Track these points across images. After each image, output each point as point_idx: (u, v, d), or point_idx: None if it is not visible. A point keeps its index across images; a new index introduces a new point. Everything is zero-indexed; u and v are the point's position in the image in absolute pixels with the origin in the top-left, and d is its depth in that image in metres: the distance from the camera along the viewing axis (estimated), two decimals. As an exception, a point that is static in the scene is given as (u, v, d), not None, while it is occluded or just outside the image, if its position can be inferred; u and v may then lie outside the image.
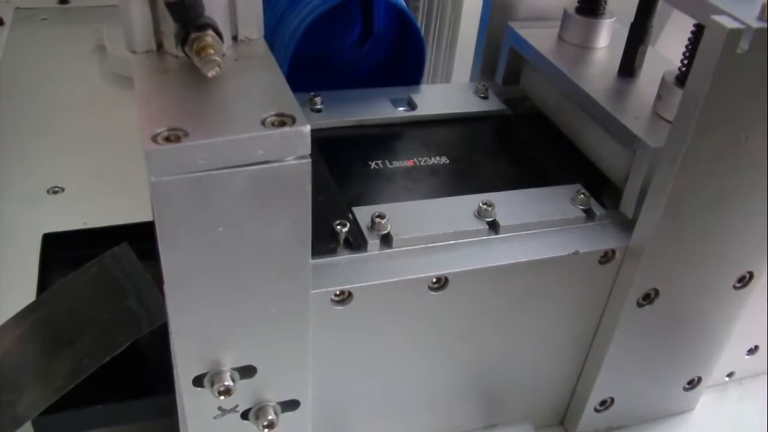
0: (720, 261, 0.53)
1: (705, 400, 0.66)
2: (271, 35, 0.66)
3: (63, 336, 0.53)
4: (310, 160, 0.38)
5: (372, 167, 0.57)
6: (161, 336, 0.47)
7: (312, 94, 0.63)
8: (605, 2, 0.64)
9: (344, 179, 0.55)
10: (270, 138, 0.37)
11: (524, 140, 0.64)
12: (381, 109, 0.65)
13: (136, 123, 0.38)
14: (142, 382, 0.54)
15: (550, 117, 0.66)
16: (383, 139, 0.62)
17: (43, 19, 1.30)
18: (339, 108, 0.64)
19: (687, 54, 0.53)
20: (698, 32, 0.52)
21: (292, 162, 0.38)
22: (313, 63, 0.70)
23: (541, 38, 0.66)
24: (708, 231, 0.51)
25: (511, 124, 0.66)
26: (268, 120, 0.38)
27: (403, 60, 0.74)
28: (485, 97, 0.68)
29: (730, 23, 0.42)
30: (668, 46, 0.64)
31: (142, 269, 0.56)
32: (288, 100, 0.39)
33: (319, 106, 0.63)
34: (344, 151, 0.59)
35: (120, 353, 0.50)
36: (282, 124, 0.37)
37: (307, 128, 0.37)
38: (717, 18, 0.42)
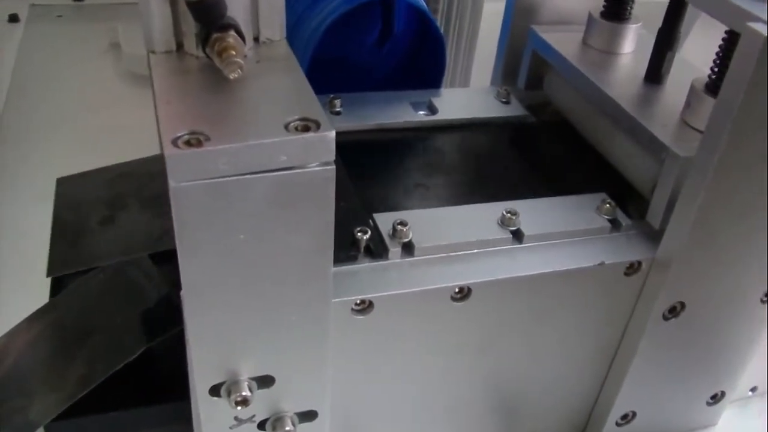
0: (749, 274, 0.52)
1: (727, 415, 0.65)
2: (290, 35, 0.65)
3: (76, 340, 0.52)
4: (334, 166, 0.37)
5: (393, 172, 0.56)
6: (176, 342, 0.46)
7: (331, 96, 0.62)
8: (631, 7, 0.63)
9: (364, 184, 0.54)
10: (293, 143, 0.36)
11: (547, 147, 0.63)
12: (401, 112, 0.64)
13: (152, 123, 0.37)
14: (156, 389, 0.53)
15: (574, 123, 0.64)
16: (404, 143, 0.61)
17: (59, 16, 1.30)
18: (358, 111, 0.63)
19: (718, 61, 0.52)
20: (730, 39, 0.51)
21: (316, 168, 0.37)
22: (332, 64, 0.69)
23: (565, 42, 0.64)
24: (738, 243, 0.50)
25: (533, 130, 0.65)
26: (292, 125, 0.37)
27: (422, 62, 0.73)
28: (507, 102, 0.67)
29: (766, 31, 0.41)
30: (687, 52, 0.63)
31: (156, 272, 0.55)
32: (312, 104, 0.38)
33: (338, 109, 0.62)
34: (365, 155, 0.58)
35: (134, 359, 0.49)
36: (306, 129, 0.36)
37: (332, 134, 0.36)
38: (753, 25, 0.41)
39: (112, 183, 0.55)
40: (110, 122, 0.99)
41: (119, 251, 0.49)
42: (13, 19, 1.25)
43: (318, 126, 0.37)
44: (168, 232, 0.49)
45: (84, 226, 0.51)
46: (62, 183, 0.56)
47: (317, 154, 0.37)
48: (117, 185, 0.55)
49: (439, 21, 0.91)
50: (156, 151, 0.60)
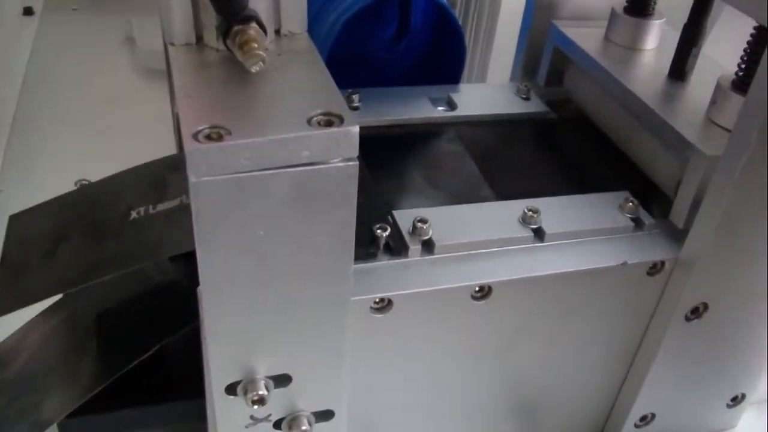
0: (774, 274, 0.51)
1: (747, 418, 0.64)
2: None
3: (89, 337, 0.52)
4: (357, 162, 0.36)
5: (412, 169, 0.56)
6: (190, 339, 0.45)
7: (349, 91, 0.62)
8: (655, 2, 0.62)
9: (384, 181, 0.53)
10: (316, 138, 0.35)
11: (568, 144, 0.62)
12: (420, 108, 0.63)
13: (166, 117, 0.36)
14: (169, 387, 0.52)
15: (595, 120, 0.64)
16: (423, 139, 0.60)
17: (74, 9, 1.30)
18: (377, 106, 0.62)
19: (745, 58, 0.51)
20: (759, 35, 0.50)
21: (339, 164, 0.36)
22: (350, 60, 0.68)
23: (587, 38, 0.63)
24: (764, 243, 0.49)
25: (554, 127, 0.64)
26: (315, 119, 0.36)
27: (441, 58, 0.72)
28: (527, 98, 0.66)
29: (801, 26, 0.40)
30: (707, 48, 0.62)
31: (170, 269, 0.55)
32: (335, 98, 0.37)
33: (356, 104, 0.61)
34: (383, 151, 0.57)
35: (148, 356, 0.49)
36: (329, 123, 0.36)
37: (356, 129, 0.36)
38: (785, 20, 0.40)
39: (58, 214, 0.55)
40: (124, 116, 0.99)
41: (54, 286, 0.49)
42: (28, 11, 1.24)
43: (341, 121, 0.36)
44: (101, 262, 0.48)
45: (26, 263, 0.50)
46: (13, 220, 0.55)
47: (340, 150, 0.36)
48: (63, 216, 0.54)
49: (457, 16, 0.90)
50: (169, 145, 0.60)
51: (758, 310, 0.53)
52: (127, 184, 0.55)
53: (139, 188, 0.54)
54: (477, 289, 0.47)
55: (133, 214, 0.51)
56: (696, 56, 0.58)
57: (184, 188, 0.49)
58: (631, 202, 0.52)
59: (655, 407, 0.58)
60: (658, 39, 0.62)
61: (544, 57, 0.68)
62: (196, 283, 0.39)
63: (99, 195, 0.55)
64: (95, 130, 0.96)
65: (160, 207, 0.51)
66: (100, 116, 0.99)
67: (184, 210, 0.50)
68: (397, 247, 0.47)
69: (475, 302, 0.47)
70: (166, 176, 0.54)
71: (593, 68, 0.61)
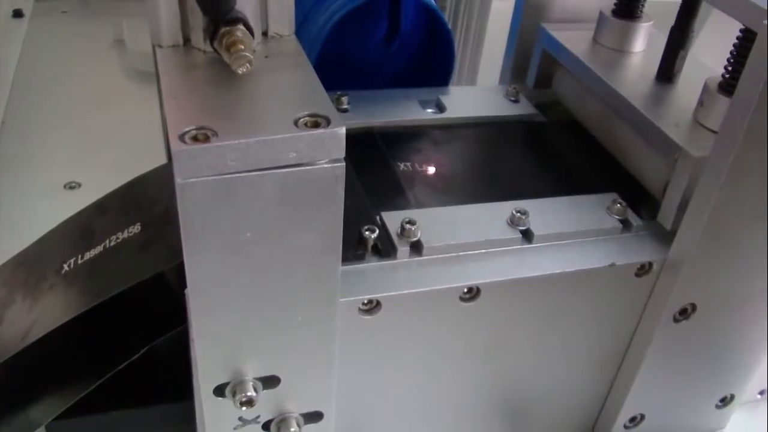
0: (762, 275, 0.51)
1: (736, 418, 0.64)
2: (297, 33, 0.65)
3: (78, 337, 0.52)
4: (344, 163, 0.37)
5: (401, 171, 0.56)
6: (179, 341, 0.45)
7: (338, 93, 0.62)
8: (642, 5, 0.62)
9: (372, 183, 0.53)
10: (303, 139, 0.35)
11: (556, 146, 0.62)
12: (409, 110, 0.63)
13: (157, 120, 0.36)
14: (158, 388, 0.52)
15: (583, 122, 0.64)
16: (412, 141, 0.60)
17: (63, 12, 1.30)
18: (366, 108, 0.62)
19: (732, 60, 0.51)
20: (745, 37, 0.50)
21: (326, 165, 0.36)
22: (339, 63, 0.68)
23: (575, 41, 0.64)
24: (751, 244, 0.49)
25: (542, 129, 0.64)
26: (301, 120, 0.36)
27: (431, 60, 0.73)
28: (516, 101, 0.66)
29: (785, 29, 0.40)
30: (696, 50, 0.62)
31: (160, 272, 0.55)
32: (322, 100, 0.38)
33: (345, 106, 0.61)
34: (372, 153, 0.57)
35: (136, 358, 0.48)
36: (316, 125, 0.36)
37: (343, 130, 0.36)
38: (770, 23, 0.41)
39: (7, 279, 0.55)
40: (114, 119, 0.99)
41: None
42: (18, 14, 1.24)
43: (328, 122, 0.36)
44: (33, 326, 0.48)
45: None
46: None
47: (327, 151, 0.36)
48: (11, 280, 0.55)
49: (447, 18, 0.90)
50: (159, 148, 0.60)
51: (746, 311, 0.54)
52: (61, 236, 0.56)
53: (69, 240, 0.55)
54: (465, 290, 0.47)
55: (65, 267, 0.51)
56: (683, 59, 0.58)
57: (109, 230, 0.52)
58: (619, 203, 0.52)
59: (644, 408, 0.58)
60: (645, 42, 0.63)
61: (533, 59, 0.68)
62: (184, 285, 0.39)
63: (37, 252, 0.56)
64: (86, 132, 0.96)
65: (87, 255, 0.51)
66: (90, 119, 0.99)
67: (106, 255, 0.51)
68: (385, 248, 0.47)
69: (464, 304, 0.47)
70: (93, 223, 0.55)
71: (581, 71, 0.61)
